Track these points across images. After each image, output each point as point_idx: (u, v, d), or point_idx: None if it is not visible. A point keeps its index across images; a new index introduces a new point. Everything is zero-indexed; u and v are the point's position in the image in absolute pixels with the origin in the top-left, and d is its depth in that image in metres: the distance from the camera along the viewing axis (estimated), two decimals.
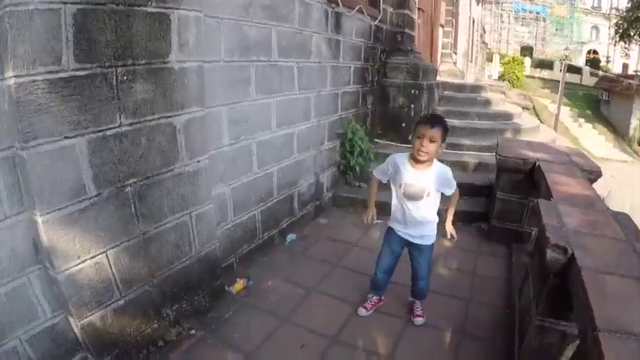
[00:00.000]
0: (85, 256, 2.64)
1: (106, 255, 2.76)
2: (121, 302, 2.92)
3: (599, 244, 2.54)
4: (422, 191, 3.25)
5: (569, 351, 2.61)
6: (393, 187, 3.43)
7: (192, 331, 3.41)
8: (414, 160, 3.23)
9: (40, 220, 2.39)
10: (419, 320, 3.67)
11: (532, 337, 2.73)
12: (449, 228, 3.57)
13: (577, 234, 2.60)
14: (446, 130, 3.21)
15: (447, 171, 3.31)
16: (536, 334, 2.71)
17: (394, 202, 3.44)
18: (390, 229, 3.56)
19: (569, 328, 2.58)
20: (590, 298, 1.93)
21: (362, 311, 3.76)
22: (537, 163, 4.48)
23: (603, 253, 2.41)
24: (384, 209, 5.68)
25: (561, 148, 5.74)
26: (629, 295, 2.04)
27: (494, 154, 5.20)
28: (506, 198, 5.08)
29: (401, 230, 3.47)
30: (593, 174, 4.39)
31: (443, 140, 3.18)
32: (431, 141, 3.10)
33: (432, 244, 3.51)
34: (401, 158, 3.31)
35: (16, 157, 2.33)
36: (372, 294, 3.84)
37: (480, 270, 4.61)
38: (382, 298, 3.87)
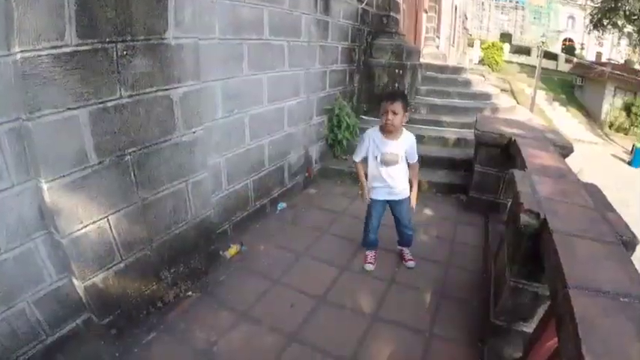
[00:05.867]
0: (88, 221, 2.64)
1: (108, 220, 2.76)
2: (122, 265, 2.93)
3: (570, 210, 2.58)
4: (396, 157, 3.51)
5: (541, 311, 2.66)
6: (370, 159, 3.61)
7: (189, 293, 3.45)
8: (385, 131, 3.48)
9: (45, 187, 2.38)
10: (411, 264, 3.97)
11: (506, 298, 2.78)
12: (413, 201, 3.82)
13: (549, 201, 2.64)
14: (405, 101, 3.43)
15: (414, 141, 3.62)
16: (510, 295, 2.75)
17: (372, 171, 3.63)
18: (372, 199, 3.75)
19: (541, 289, 2.62)
20: (562, 259, 1.97)
21: (369, 266, 3.93)
22: (513, 138, 4.51)
23: (574, 219, 2.45)
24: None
25: (536, 125, 5.78)
26: (597, 256, 2.08)
27: (473, 130, 5.21)
28: (483, 171, 5.12)
29: (383, 194, 3.69)
30: (565, 149, 4.43)
31: (405, 110, 3.41)
32: (394, 113, 3.33)
33: (408, 196, 3.77)
34: (374, 132, 3.55)
35: (22, 127, 2.31)
36: (370, 251, 4.03)
37: (459, 238, 4.68)
38: (377, 251, 4.06)
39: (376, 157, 3.54)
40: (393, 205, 3.77)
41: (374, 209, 3.79)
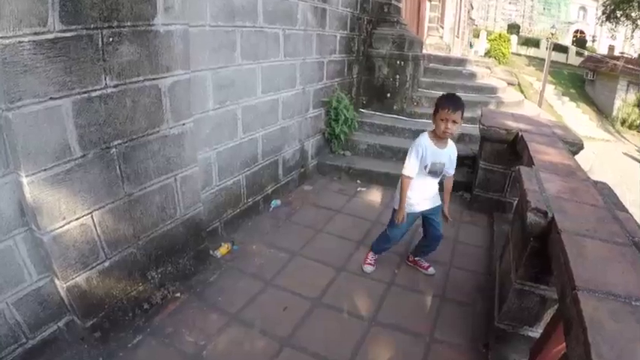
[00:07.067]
0: (71, 218, 2.63)
1: (92, 216, 2.75)
2: (106, 264, 2.92)
3: (579, 209, 2.59)
4: (443, 167, 3.51)
5: (548, 315, 2.67)
6: (417, 169, 3.49)
7: (177, 294, 3.44)
8: (435, 138, 3.41)
9: (25, 181, 2.37)
10: (431, 270, 4.01)
11: (512, 300, 2.79)
12: (447, 212, 3.73)
13: (557, 199, 2.64)
14: (464, 109, 3.34)
15: (456, 152, 3.57)
16: (515, 298, 2.76)
17: (417, 182, 3.52)
18: (408, 212, 3.63)
19: (548, 292, 2.63)
20: (570, 259, 1.97)
21: (369, 268, 3.96)
22: (520, 134, 4.52)
23: (583, 218, 2.45)
24: (369, 177, 5.74)
25: (544, 120, 5.79)
26: (607, 257, 2.08)
27: (477, 125, 5.21)
28: (488, 168, 5.13)
29: (421, 205, 3.64)
30: (575, 146, 4.44)
31: (462, 119, 3.33)
32: (454, 122, 3.26)
33: (441, 203, 3.75)
34: (425, 139, 3.44)
35: (2, 118, 2.29)
36: (373, 254, 4.03)
37: (462, 238, 4.69)
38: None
39: (425, 167, 3.46)
40: (428, 214, 3.70)
41: (407, 222, 3.67)
